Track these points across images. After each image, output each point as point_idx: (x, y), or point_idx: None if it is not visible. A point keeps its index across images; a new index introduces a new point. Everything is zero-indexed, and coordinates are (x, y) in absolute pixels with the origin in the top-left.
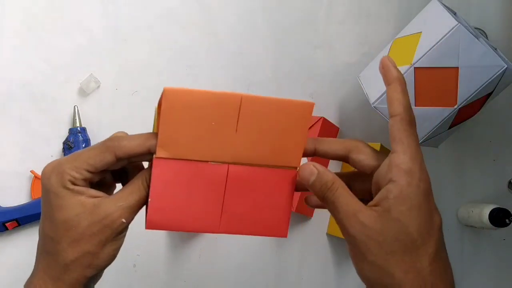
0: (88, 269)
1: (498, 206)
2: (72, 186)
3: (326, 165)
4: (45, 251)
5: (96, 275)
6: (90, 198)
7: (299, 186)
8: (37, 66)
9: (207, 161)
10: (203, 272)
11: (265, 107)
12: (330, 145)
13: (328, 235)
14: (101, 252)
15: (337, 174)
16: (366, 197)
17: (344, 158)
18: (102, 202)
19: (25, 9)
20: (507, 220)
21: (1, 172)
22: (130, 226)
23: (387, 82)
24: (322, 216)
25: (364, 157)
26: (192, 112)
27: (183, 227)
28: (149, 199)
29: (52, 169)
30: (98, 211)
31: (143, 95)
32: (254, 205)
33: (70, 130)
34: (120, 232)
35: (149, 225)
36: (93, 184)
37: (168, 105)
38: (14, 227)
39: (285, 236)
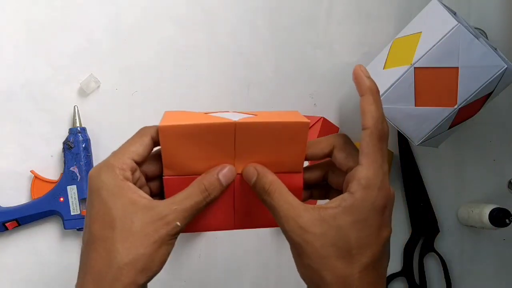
0: (141, 274)
1: (498, 206)
2: (123, 182)
3: None
4: (95, 256)
5: (145, 284)
6: (141, 197)
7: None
8: (37, 66)
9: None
10: (203, 272)
11: (261, 130)
12: (315, 146)
13: None
14: (155, 255)
15: (315, 165)
16: (339, 188)
17: (330, 155)
18: (156, 203)
19: (25, 9)
20: (507, 220)
21: (1, 172)
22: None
23: (360, 92)
24: None
25: (344, 156)
26: (189, 142)
27: (200, 228)
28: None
29: (99, 168)
30: (152, 212)
31: (143, 95)
32: (262, 204)
33: (70, 130)
34: (173, 235)
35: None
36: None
37: (165, 139)
38: (14, 227)
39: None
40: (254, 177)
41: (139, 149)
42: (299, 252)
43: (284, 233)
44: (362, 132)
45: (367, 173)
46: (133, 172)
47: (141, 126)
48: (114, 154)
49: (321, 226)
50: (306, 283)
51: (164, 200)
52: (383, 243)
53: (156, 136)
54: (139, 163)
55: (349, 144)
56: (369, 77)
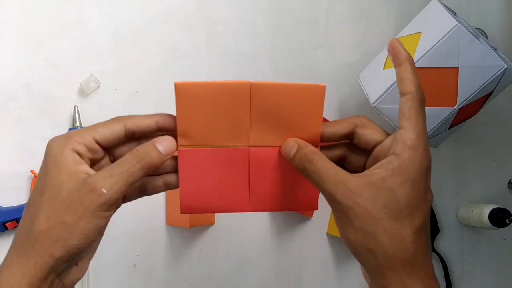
0: (56, 245)
1: (498, 206)
2: (70, 153)
3: None
4: (23, 223)
5: (68, 263)
6: (83, 173)
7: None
8: (37, 66)
9: (228, 146)
10: (203, 272)
11: (276, 92)
12: (335, 125)
13: (328, 235)
14: (75, 226)
15: (328, 146)
16: (358, 170)
17: (349, 135)
18: (91, 175)
19: (25, 9)
20: (507, 220)
21: (1, 172)
22: (129, 226)
23: (397, 62)
24: (322, 216)
25: (370, 132)
26: (205, 103)
27: (214, 209)
28: (180, 187)
29: (58, 136)
30: (82, 182)
31: (143, 95)
32: (280, 183)
33: (70, 130)
34: (101, 207)
35: (183, 210)
36: (92, 161)
37: (181, 98)
38: (14, 227)
39: (316, 208)
40: (294, 148)
41: (105, 132)
42: (350, 216)
43: (330, 199)
44: (402, 98)
45: (411, 135)
46: (90, 149)
47: None
48: (81, 130)
49: (371, 189)
50: (356, 249)
51: (99, 171)
52: (429, 206)
53: (132, 126)
54: (104, 146)
55: (371, 121)
56: (404, 48)
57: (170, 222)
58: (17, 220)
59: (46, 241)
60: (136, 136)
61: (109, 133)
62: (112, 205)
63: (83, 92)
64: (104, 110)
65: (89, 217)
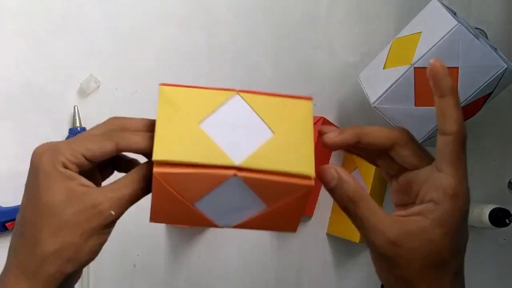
0: (68, 264)
1: (498, 206)
2: (63, 169)
3: (327, 157)
4: (22, 241)
5: (74, 275)
6: (80, 185)
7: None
8: (37, 66)
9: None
10: (203, 272)
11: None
12: (375, 134)
13: (328, 235)
14: (84, 245)
15: (356, 143)
16: (387, 171)
17: (386, 150)
18: (92, 191)
19: (25, 9)
20: (507, 220)
21: (1, 172)
22: (130, 226)
23: (439, 93)
24: (322, 216)
25: (409, 153)
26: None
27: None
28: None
29: (46, 148)
30: (86, 200)
31: (143, 95)
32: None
33: (70, 130)
34: (107, 226)
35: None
36: (83, 173)
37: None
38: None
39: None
40: (334, 180)
41: (96, 151)
42: (390, 265)
43: (370, 245)
44: (443, 137)
45: (452, 182)
46: (79, 164)
47: None
48: (69, 141)
49: (412, 240)
50: None
51: (101, 188)
52: (466, 244)
53: (125, 147)
54: (93, 161)
55: (411, 141)
56: (449, 76)
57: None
58: None
59: (57, 261)
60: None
61: (99, 153)
62: (117, 220)
63: (83, 92)
64: (104, 110)
65: (97, 236)
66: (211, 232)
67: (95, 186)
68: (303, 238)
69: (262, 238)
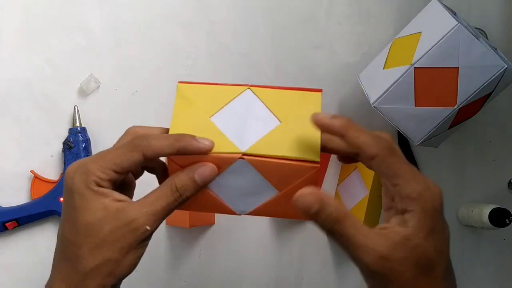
0: (109, 278)
1: (498, 206)
2: (96, 188)
3: (325, 164)
4: (64, 257)
5: (115, 285)
6: (114, 201)
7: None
8: (37, 66)
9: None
10: (203, 272)
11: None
12: (356, 142)
13: None
14: (123, 260)
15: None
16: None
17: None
18: (126, 206)
19: (25, 9)
20: (507, 220)
21: (1, 172)
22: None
23: (337, 135)
24: None
25: (380, 171)
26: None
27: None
28: None
29: (76, 169)
30: (121, 216)
31: (143, 95)
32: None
33: (70, 130)
34: (143, 240)
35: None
36: (115, 185)
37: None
38: (14, 227)
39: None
40: (316, 204)
41: (125, 164)
42: (383, 281)
43: (360, 263)
44: (373, 162)
45: (409, 187)
46: (110, 180)
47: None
48: (97, 158)
49: (400, 251)
50: None
51: (136, 202)
52: (448, 241)
53: (151, 155)
54: (122, 173)
55: (392, 156)
56: (332, 117)
57: (170, 222)
58: (17, 220)
59: (98, 276)
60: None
61: (128, 165)
62: (153, 233)
63: (83, 92)
64: (104, 110)
65: (134, 251)
66: (211, 232)
67: (129, 199)
68: (303, 238)
69: (262, 238)
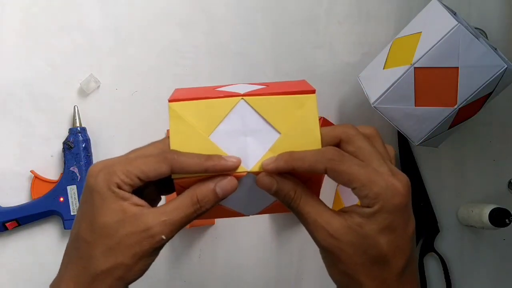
0: (118, 282)
1: (498, 206)
2: (117, 190)
3: None
4: (76, 255)
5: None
6: (133, 206)
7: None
8: (37, 66)
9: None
10: (203, 272)
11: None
12: (304, 161)
13: None
14: (135, 266)
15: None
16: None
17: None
18: (145, 212)
19: (25, 9)
20: (507, 220)
21: (1, 172)
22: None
23: (289, 172)
24: None
25: (339, 181)
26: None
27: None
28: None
29: (101, 168)
30: (138, 222)
31: (143, 95)
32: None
33: (70, 130)
34: (157, 248)
35: None
36: (136, 193)
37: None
38: (14, 227)
39: None
40: (273, 186)
41: (151, 174)
42: (333, 259)
43: (314, 239)
44: (328, 175)
45: (368, 189)
46: (132, 185)
47: (141, 126)
48: (125, 162)
49: (351, 234)
50: (339, 287)
51: (154, 209)
52: (411, 237)
53: (179, 170)
54: (144, 180)
55: (357, 139)
56: (274, 161)
57: None
58: (17, 220)
59: (108, 279)
60: None
61: (154, 175)
62: (167, 242)
63: (83, 92)
64: (104, 110)
65: (146, 258)
66: (211, 232)
67: (148, 205)
68: (303, 238)
69: (262, 238)
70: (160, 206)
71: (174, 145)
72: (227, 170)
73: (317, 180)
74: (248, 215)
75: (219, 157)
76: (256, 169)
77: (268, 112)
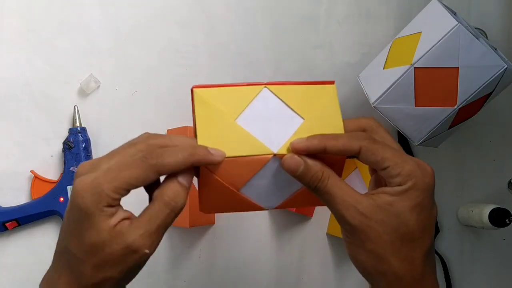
0: None
1: (498, 206)
2: (107, 209)
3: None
4: (68, 267)
5: None
6: (119, 221)
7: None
8: (37, 66)
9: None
10: (203, 272)
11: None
12: (337, 147)
13: (328, 235)
14: (123, 279)
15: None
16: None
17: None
18: (126, 229)
19: (25, 9)
20: (507, 220)
21: (1, 172)
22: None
23: (321, 152)
24: (322, 216)
25: (368, 161)
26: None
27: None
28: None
29: (89, 187)
30: (119, 240)
31: (143, 95)
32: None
33: (70, 130)
34: (143, 262)
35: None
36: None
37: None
38: (14, 227)
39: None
40: (301, 166)
41: (139, 183)
42: (361, 239)
43: (341, 221)
44: (360, 156)
45: (401, 167)
46: (120, 198)
47: (141, 126)
48: (111, 179)
49: (381, 213)
50: (366, 270)
51: (133, 223)
52: (434, 222)
53: (166, 173)
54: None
55: (370, 150)
56: (306, 140)
57: None
58: (17, 220)
59: None
60: None
61: (141, 184)
62: (152, 253)
63: (83, 92)
64: (104, 110)
65: (133, 271)
66: (211, 232)
67: (132, 217)
68: (303, 238)
69: (262, 238)
70: (136, 219)
71: (201, 131)
72: (213, 163)
73: (339, 166)
74: (267, 209)
75: (204, 149)
76: (282, 151)
77: (291, 99)
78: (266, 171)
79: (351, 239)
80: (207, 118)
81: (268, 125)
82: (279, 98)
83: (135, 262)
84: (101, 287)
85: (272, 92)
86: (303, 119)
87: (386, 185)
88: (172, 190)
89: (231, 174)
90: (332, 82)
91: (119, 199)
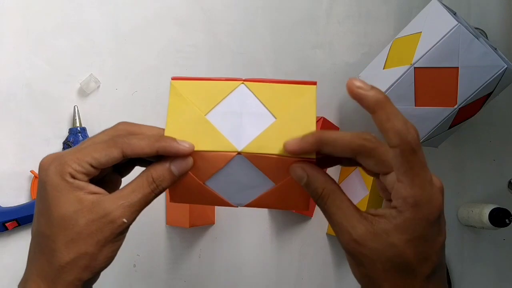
0: (85, 272)
1: (498, 206)
2: (71, 180)
3: None
4: (39, 251)
5: (92, 278)
6: (89, 194)
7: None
8: (37, 66)
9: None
10: (203, 272)
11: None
12: (336, 144)
13: (328, 235)
14: (99, 254)
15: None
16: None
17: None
18: (102, 199)
19: (25, 9)
20: (507, 220)
21: (1, 172)
22: (130, 226)
23: (369, 111)
24: (322, 216)
25: (373, 162)
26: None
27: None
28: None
29: (51, 160)
30: (97, 209)
31: (143, 95)
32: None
33: (70, 130)
34: (120, 233)
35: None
36: (96, 181)
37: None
38: (14, 227)
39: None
40: (304, 178)
41: (102, 159)
42: (356, 263)
43: (338, 239)
44: (391, 150)
45: (410, 192)
46: (86, 173)
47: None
48: (74, 151)
49: (376, 241)
50: (362, 286)
51: (111, 195)
52: (440, 250)
53: (130, 154)
54: (100, 168)
55: (379, 148)
56: (369, 89)
57: (170, 222)
58: (17, 220)
59: (74, 270)
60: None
61: (105, 160)
62: (130, 225)
63: (83, 92)
64: (104, 110)
65: (111, 244)
66: (211, 232)
67: (105, 192)
68: (303, 238)
69: (262, 238)
70: (117, 191)
71: (170, 122)
72: (178, 154)
73: None
74: (236, 206)
75: (171, 139)
76: (245, 150)
77: (266, 97)
78: (231, 168)
79: (349, 260)
80: (179, 111)
81: (238, 122)
82: (255, 95)
83: (111, 232)
84: (75, 265)
85: (249, 89)
86: (275, 118)
87: (391, 199)
88: (158, 172)
89: (197, 166)
90: (314, 83)
91: (86, 175)
